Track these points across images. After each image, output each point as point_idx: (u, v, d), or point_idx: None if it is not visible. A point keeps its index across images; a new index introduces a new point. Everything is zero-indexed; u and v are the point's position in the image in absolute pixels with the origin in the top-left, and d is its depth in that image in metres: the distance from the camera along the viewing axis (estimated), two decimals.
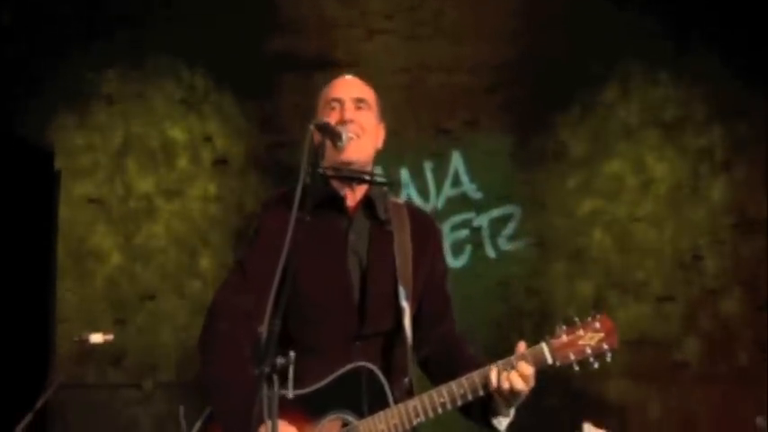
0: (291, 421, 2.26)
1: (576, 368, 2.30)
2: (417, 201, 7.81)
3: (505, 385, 2.26)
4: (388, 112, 2.59)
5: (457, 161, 7.77)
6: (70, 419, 7.73)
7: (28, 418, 3.85)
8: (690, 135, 7.60)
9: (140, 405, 7.92)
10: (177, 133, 7.97)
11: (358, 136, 2.49)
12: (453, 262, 7.69)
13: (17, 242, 7.17)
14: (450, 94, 7.71)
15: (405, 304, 2.45)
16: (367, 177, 2.54)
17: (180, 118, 7.96)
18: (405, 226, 2.54)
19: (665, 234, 7.47)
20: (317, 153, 2.31)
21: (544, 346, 2.32)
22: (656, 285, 7.43)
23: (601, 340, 2.30)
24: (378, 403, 2.33)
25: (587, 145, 7.69)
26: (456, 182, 7.77)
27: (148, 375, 7.96)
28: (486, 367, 2.30)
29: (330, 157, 2.45)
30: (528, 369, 2.26)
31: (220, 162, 7.97)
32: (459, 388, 2.30)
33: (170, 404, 7.92)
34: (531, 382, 2.28)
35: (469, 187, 7.74)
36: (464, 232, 7.73)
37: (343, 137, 2.43)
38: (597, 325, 2.35)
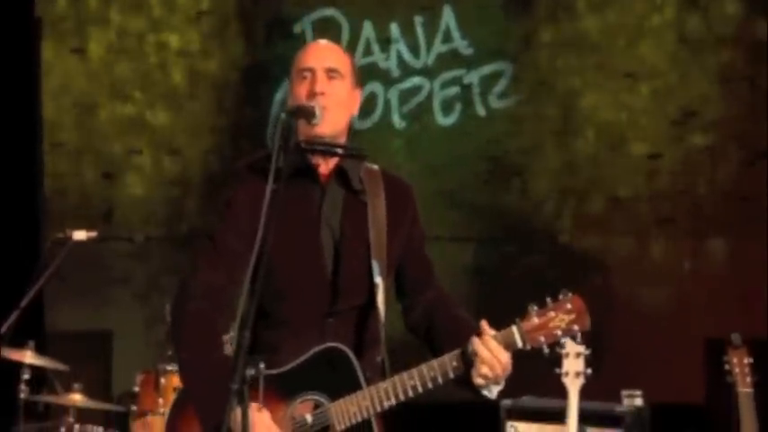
0: (264, 402, 2.22)
1: (546, 351, 2.28)
2: (407, 57, 7.71)
3: (482, 369, 2.22)
4: None
5: (448, 16, 7.62)
6: (64, 273, 7.82)
7: (31, 289, 3.84)
8: None
9: (133, 258, 8.01)
10: None
11: (329, 108, 2.37)
12: (443, 120, 7.65)
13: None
14: None
15: (378, 280, 2.39)
16: (339, 150, 2.41)
17: None
18: (379, 194, 2.49)
19: (658, 90, 7.41)
20: (289, 134, 2.21)
21: (515, 329, 2.28)
22: (647, 142, 7.42)
23: (572, 322, 2.29)
24: (349, 384, 2.30)
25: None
26: (447, 38, 7.63)
27: (139, 229, 8.03)
28: (458, 351, 2.25)
29: (302, 130, 2.36)
30: (494, 344, 2.21)
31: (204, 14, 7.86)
32: (429, 371, 2.26)
33: (162, 258, 8.02)
34: (504, 359, 2.23)
35: (461, 43, 7.62)
36: (454, 89, 7.66)
37: (317, 113, 2.34)
38: (569, 306, 2.31)
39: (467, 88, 7.62)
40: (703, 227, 7.32)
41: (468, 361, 2.25)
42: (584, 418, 3.09)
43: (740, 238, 7.18)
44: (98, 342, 7.60)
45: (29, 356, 3.97)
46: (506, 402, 3.39)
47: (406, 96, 7.71)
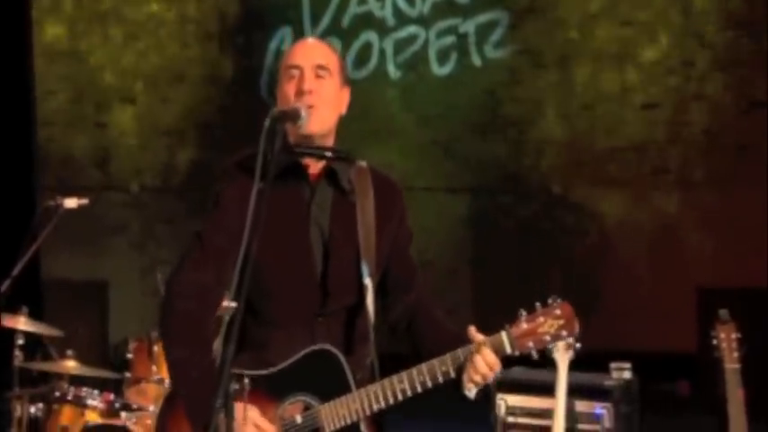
0: (254, 402, 2.24)
1: (535, 356, 2.28)
2: (402, 6, 7.64)
3: (475, 378, 2.22)
4: None
5: None
6: (59, 222, 7.82)
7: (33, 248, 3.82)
8: None
9: (128, 208, 8.02)
10: None
11: (317, 107, 2.35)
12: (438, 70, 7.60)
13: None
14: None
15: (367, 281, 2.37)
16: (328, 153, 2.38)
17: None
18: (368, 192, 2.45)
19: (655, 40, 7.37)
20: (275, 138, 2.19)
21: (504, 334, 2.26)
22: (643, 92, 7.40)
23: (560, 327, 2.28)
24: (339, 387, 2.30)
25: None
26: None
27: (134, 179, 8.02)
28: (447, 355, 2.25)
29: (291, 130, 2.33)
30: (493, 357, 2.21)
31: None
32: (419, 375, 2.25)
33: (158, 207, 8.02)
34: (497, 368, 2.23)
35: None
36: (450, 39, 7.60)
37: (302, 114, 2.30)
38: (558, 312, 2.29)
39: (462, 38, 7.57)
40: (699, 176, 7.33)
41: (459, 367, 2.26)
42: (573, 392, 3.12)
43: (736, 187, 7.19)
44: (94, 291, 7.63)
45: (22, 322, 3.93)
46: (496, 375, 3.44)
47: (401, 46, 7.66)
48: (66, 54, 7.94)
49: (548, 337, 2.26)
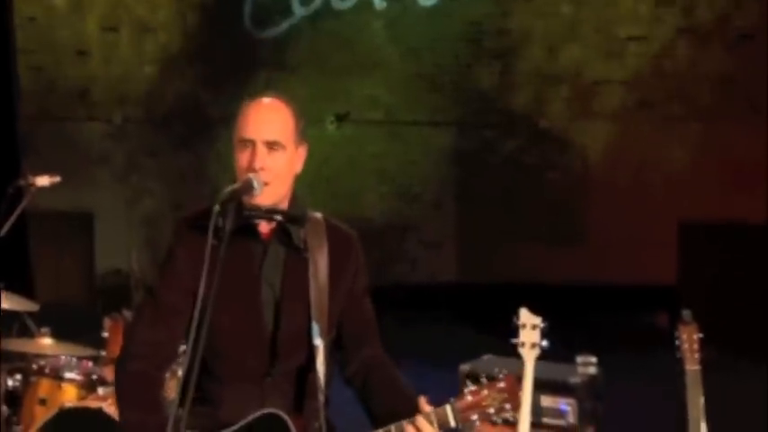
0: None
1: (478, 426, 2.36)
2: None
3: None
4: None
5: None
6: (44, 153, 7.80)
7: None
8: None
9: (111, 139, 7.98)
10: None
11: (269, 183, 2.35)
12: (424, 1, 7.53)
13: None
14: None
15: (318, 342, 2.37)
16: (278, 217, 2.39)
17: None
18: (322, 247, 2.45)
19: None
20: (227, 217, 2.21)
21: (448, 408, 2.30)
22: (630, 25, 7.37)
23: (504, 401, 2.32)
24: None
25: None
26: None
27: (117, 110, 7.97)
28: (392, 426, 2.30)
29: (244, 198, 2.33)
30: (427, 427, 2.25)
31: None
32: None
33: (141, 139, 7.99)
34: None
35: None
36: None
37: (255, 185, 2.32)
38: (502, 385, 2.33)
39: None
40: (683, 110, 7.35)
41: None
42: (539, 387, 3.22)
43: (719, 120, 7.23)
44: (80, 222, 7.64)
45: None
46: (465, 366, 3.50)
47: None
48: None
49: (491, 410, 2.34)
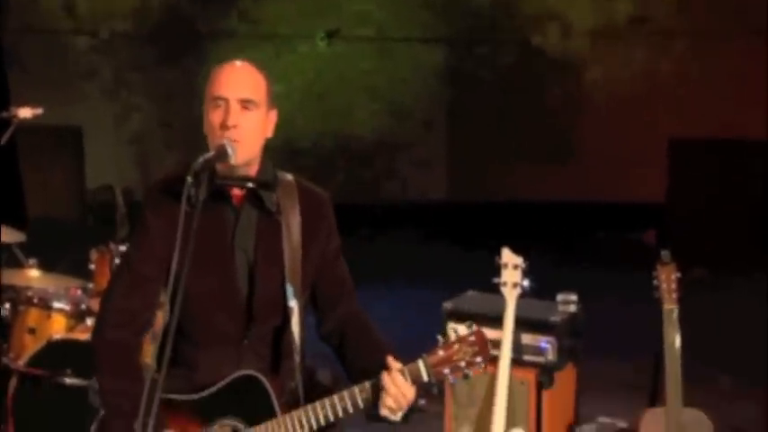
0: (182, 426, 2.30)
1: (452, 380, 2.40)
2: None
3: (388, 402, 2.30)
4: None
5: None
6: (29, 67, 7.72)
7: None
8: None
9: (99, 53, 7.90)
10: None
11: (242, 141, 2.35)
12: None
13: None
14: None
15: (292, 304, 2.41)
16: (249, 184, 2.41)
17: None
18: (294, 209, 2.47)
19: None
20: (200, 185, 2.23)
21: (421, 363, 2.34)
22: None
23: (475, 354, 2.39)
24: (265, 412, 2.38)
25: None
26: None
27: (103, 24, 7.88)
28: (367, 383, 2.32)
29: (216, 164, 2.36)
30: (401, 381, 2.27)
31: None
32: (340, 401, 2.34)
33: (129, 53, 7.90)
34: (409, 395, 2.30)
35: None
36: None
37: (228, 152, 2.33)
38: (472, 338, 2.37)
39: None
40: (675, 27, 7.30)
41: (375, 393, 2.36)
42: (520, 324, 3.29)
43: (710, 39, 7.19)
44: (68, 137, 7.60)
45: None
46: (448, 304, 3.54)
47: None
48: None
49: (463, 364, 2.39)
